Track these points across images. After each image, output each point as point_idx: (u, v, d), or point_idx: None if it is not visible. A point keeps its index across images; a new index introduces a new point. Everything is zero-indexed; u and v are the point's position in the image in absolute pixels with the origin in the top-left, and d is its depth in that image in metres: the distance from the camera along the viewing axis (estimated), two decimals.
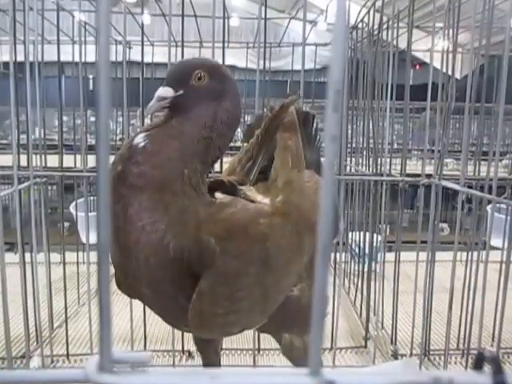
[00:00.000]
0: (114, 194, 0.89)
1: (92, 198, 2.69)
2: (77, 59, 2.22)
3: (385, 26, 2.30)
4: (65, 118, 3.28)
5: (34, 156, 1.85)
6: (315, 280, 0.37)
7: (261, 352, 1.96)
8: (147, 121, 1.77)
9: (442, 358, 1.88)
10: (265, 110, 1.34)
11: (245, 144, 1.24)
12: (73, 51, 2.68)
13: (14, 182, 1.65)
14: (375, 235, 2.37)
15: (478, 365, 0.38)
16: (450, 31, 2.01)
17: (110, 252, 0.99)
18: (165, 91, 0.95)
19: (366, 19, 2.51)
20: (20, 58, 1.77)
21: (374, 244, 2.35)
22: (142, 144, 0.92)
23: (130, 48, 3.82)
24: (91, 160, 2.23)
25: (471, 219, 2.51)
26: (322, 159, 1.25)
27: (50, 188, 4.33)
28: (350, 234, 2.70)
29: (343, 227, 3.65)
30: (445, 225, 5.33)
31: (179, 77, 0.97)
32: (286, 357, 1.19)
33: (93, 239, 2.44)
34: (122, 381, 0.37)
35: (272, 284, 1.00)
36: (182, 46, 1.95)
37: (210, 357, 1.33)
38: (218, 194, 1.06)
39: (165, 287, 0.94)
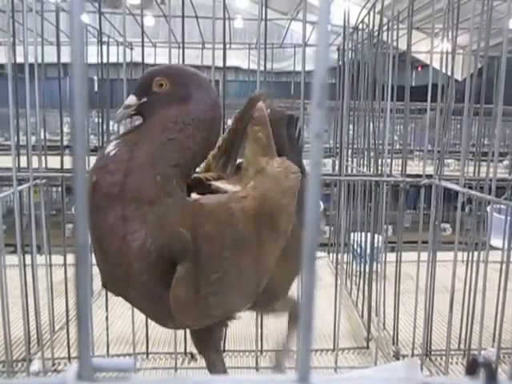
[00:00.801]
0: (91, 205, 0.92)
1: None
2: None
3: (385, 28, 2.30)
4: (68, 119, 3.28)
5: (35, 157, 1.86)
6: (303, 283, 0.37)
7: (263, 353, 1.96)
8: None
9: (444, 358, 1.88)
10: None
11: None
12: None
13: (13, 184, 1.66)
14: (376, 236, 2.37)
15: (471, 370, 0.38)
16: (450, 33, 2.01)
17: (95, 257, 1.02)
18: (130, 99, 1.01)
19: (366, 20, 2.51)
20: (20, 59, 1.78)
21: (376, 244, 2.35)
22: (113, 152, 0.95)
23: (131, 49, 3.82)
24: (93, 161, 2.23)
25: (472, 219, 2.50)
26: (304, 161, 1.31)
27: (54, 190, 4.36)
28: (351, 234, 2.69)
29: (325, 227, 3.66)
30: (447, 225, 5.33)
31: (142, 85, 1.02)
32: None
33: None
34: None
35: (248, 265, 1.03)
36: (183, 48, 1.95)
37: (212, 357, 1.32)
38: (194, 195, 1.08)
39: (150, 288, 0.97)
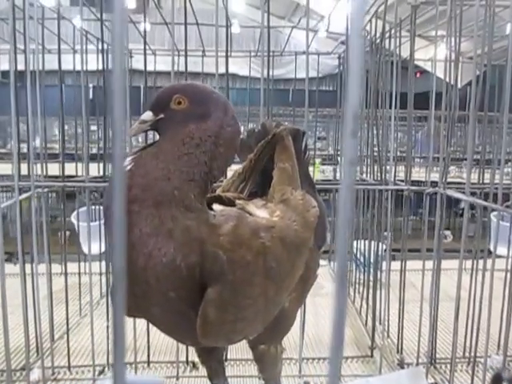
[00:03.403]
0: (112, 222, 0.90)
1: (93, 207, 2.68)
2: (78, 68, 2.20)
3: (387, 35, 2.29)
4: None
5: (35, 165, 1.84)
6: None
7: None
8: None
9: (449, 366, 1.86)
10: (256, 126, 1.40)
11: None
12: (74, 60, 2.67)
13: (15, 192, 1.64)
14: (380, 244, 2.35)
15: None
16: (452, 40, 2.00)
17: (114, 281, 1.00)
18: (146, 115, 1.00)
19: (367, 28, 2.50)
20: (20, 66, 1.76)
21: (379, 253, 2.33)
22: (128, 167, 0.94)
23: (131, 57, 3.82)
24: (92, 168, 2.23)
25: (475, 226, 2.48)
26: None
27: (50, 195, 4.33)
28: (354, 242, 2.67)
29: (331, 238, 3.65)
30: (447, 232, 5.30)
31: (160, 101, 1.01)
32: (257, 363, 1.25)
33: (95, 249, 2.43)
34: None
35: (273, 295, 1.04)
36: (186, 55, 1.94)
37: (214, 367, 1.32)
38: (217, 206, 1.09)
39: (175, 305, 0.95)
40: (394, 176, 2.03)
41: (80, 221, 2.33)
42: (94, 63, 2.75)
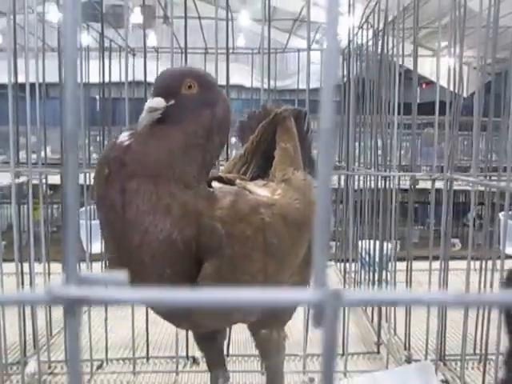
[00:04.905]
0: (104, 200, 0.86)
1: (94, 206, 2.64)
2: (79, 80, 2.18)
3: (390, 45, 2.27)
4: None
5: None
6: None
7: None
8: None
9: (459, 363, 1.79)
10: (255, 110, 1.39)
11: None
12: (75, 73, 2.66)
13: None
14: (385, 243, 2.30)
15: None
16: (454, 49, 1.97)
17: (110, 258, 0.96)
18: (156, 102, 0.93)
19: (370, 19, 2.48)
20: (21, 79, 1.74)
21: (385, 252, 2.27)
22: (127, 143, 0.89)
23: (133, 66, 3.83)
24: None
25: (483, 234, 2.41)
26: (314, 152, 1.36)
27: (56, 207, 4.31)
28: (359, 242, 2.62)
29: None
30: (456, 240, 5.23)
31: (170, 86, 0.95)
32: (259, 350, 1.20)
33: (95, 248, 2.38)
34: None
35: (273, 273, 1.00)
36: (186, 57, 1.93)
37: (213, 356, 1.28)
38: (216, 184, 1.06)
39: (172, 281, 0.91)
40: (399, 182, 1.99)
41: (81, 219, 2.29)
42: (95, 75, 2.80)
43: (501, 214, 2.31)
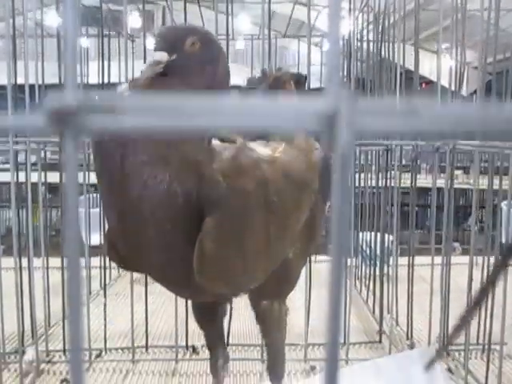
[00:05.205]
0: (102, 154, 0.85)
1: (95, 194, 2.64)
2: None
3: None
4: None
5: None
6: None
7: None
8: None
9: (462, 353, 1.76)
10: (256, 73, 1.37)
11: None
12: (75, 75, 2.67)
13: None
14: (386, 235, 2.27)
15: None
16: (456, 50, 1.96)
17: (107, 221, 0.94)
18: (160, 55, 0.90)
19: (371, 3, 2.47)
20: (20, 80, 1.74)
21: (386, 244, 2.25)
22: (127, 94, 0.87)
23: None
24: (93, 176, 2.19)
25: (484, 238, 2.38)
26: None
27: (56, 212, 4.28)
28: (360, 234, 2.59)
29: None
30: (456, 244, 5.19)
31: (173, 42, 0.93)
32: (260, 324, 1.16)
33: (94, 240, 2.36)
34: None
35: (275, 233, 0.98)
36: None
37: (213, 335, 1.26)
38: (215, 141, 1.03)
39: (172, 239, 0.89)
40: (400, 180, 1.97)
41: (80, 207, 2.28)
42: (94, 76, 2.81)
43: (503, 204, 2.30)
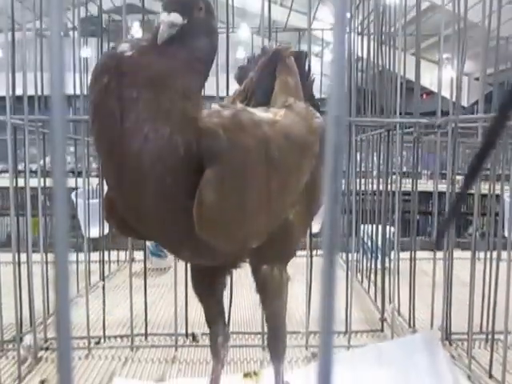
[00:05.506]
0: (103, 109, 0.84)
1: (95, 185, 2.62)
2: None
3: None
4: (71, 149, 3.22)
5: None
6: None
7: None
8: None
9: (465, 343, 1.74)
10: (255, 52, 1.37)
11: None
12: (74, 85, 2.65)
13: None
14: (388, 227, 2.25)
15: None
16: (458, 60, 1.95)
17: (106, 182, 0.94)
18: (175, 17, 0.88)
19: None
20: (19, 91, 1.74)
21: (388, 235, 2.23)
22: (129, 53, 0.86)
23: None
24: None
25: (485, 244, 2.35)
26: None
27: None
28: (361, 226, 2.58)
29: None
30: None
31: (186, 5, 0.92)
32: (260, 292, 1.12)
33: (93, 233, 2.35)
34: None
35: (276, 189, 0.97)
36: None
37: (213, 308, 1.23)
38: (215, 105, 1.04)
39: (172, 193, 0.88)
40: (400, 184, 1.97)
41: (79, 198, 2.27)
42: None
43: (506, 196, 2.28)
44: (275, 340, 1.19)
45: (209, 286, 1.19)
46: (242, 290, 1.97)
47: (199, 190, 0.86)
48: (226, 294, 1.28)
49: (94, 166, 4.30)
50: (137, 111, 0.83)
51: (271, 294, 1.12)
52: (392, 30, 2.17)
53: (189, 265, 1.24)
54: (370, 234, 2.48)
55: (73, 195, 2.59)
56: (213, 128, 0.89)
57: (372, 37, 2.46)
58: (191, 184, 0.87)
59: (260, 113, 1.03)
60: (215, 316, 1.23)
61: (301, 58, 1.31)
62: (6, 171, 1.94)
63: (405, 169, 5.15)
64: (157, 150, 0.84)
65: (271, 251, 1.06)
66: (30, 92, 1.79)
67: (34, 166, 1.97)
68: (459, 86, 1.68)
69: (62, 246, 0.32)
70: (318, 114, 1.16)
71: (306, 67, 1.34)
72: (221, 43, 1.67)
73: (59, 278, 0.33)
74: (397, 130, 1.77)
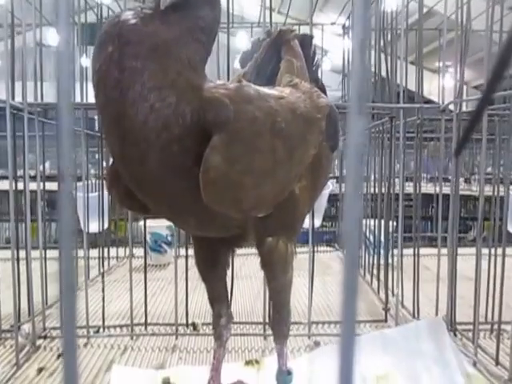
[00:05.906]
0: (108, 80, 0.83)
1: (94, 180, 2.61)
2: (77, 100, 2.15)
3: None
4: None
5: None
6: None
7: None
8: None
9: (470, 334, 1.71)
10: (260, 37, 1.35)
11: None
12: (75, 93, 2.64)
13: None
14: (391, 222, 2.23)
15: None
16: (460, 68, 1.95)
17: (111, 154, 0.92)
18: None
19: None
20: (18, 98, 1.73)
21: (390, 229, 2.20)
22: (133, 21, 0.84)
23: None
24: None
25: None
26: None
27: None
28: (363, 220, 2.55)
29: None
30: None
31: None
32: (265, 267, 1.10)
33: (93, 228, 2.33)
34: None
35: (283, 159, 0.96)
36: None
37: (216, 287, 1.21)
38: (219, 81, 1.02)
39: (179, 161, 0.87)
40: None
41: (78, 192, 2.25)
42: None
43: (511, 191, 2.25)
44: (279, 319, 1.17)
45: (212, 263, 1.17)
46: (243, 281, 1.96)
47: (206, 156, 0.85)
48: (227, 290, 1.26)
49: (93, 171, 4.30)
50: (142, 81, 0.82)
51: (276, 268, 1.09)
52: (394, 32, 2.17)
53: (191, 238, 1.22)
54: (371, 228, 2.45)
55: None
56: (220, 98, 0.88)
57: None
58: (197, 152, 0.86)
59: (266, 89, 1.02)
60: (218, 295, 1.21)
61: (306, 41, 1.30)
62: (6, 177, 1.92)
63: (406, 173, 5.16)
64: (163, 118, 0.83)
65: (276, 223, 1.04)
66: (30, 100, 1.77)
67: (32, 172, 1.95)
68: (462, 72, 1.67)
69: (66, 240, 0.33)
70: (323, 95, 1.16)
71: (311, 52, 1.33)
72: (220, 48, 1.71)
73: (64, 269, 0.33)
74: (400, 116, 1.76)
